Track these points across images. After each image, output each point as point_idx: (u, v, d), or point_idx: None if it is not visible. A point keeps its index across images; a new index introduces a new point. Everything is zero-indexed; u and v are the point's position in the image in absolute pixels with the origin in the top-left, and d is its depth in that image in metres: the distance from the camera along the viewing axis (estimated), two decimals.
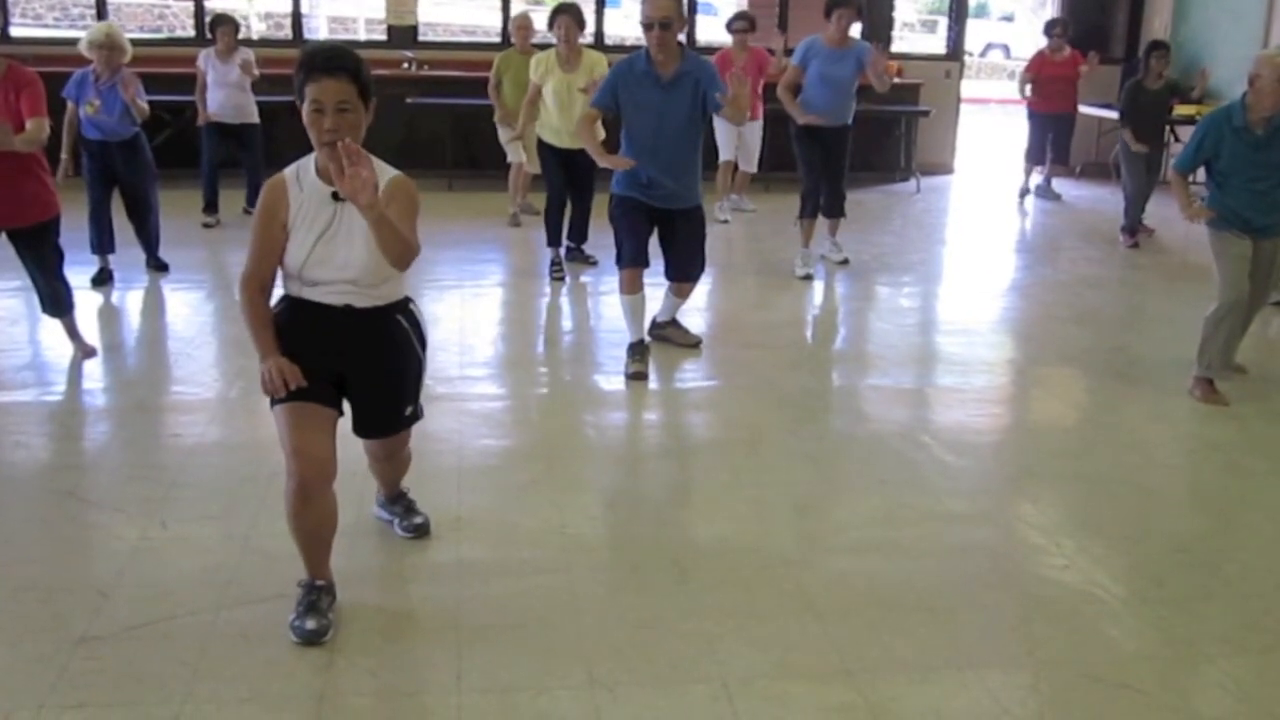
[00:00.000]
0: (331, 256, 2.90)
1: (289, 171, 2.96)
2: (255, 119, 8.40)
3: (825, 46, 6.95)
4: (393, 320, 3.06)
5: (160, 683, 2.77)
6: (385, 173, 2.90)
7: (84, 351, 5.24)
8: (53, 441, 4.43)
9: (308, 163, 2.95)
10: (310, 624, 2.96)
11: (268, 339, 2.93)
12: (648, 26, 4.97)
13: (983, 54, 24.10)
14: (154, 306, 6.53)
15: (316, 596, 3.02)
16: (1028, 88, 10.04)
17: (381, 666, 2.89)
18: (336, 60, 2.78)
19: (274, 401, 2.95)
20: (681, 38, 5.12)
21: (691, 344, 5.63)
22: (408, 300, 3.14)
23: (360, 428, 3.20)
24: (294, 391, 2.89)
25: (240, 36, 8.48)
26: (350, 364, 3.03)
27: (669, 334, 5.65)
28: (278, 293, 3.07)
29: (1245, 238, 4.96)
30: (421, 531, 3.55)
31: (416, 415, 3.26)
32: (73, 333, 5.28)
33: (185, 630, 3.00)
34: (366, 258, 2.89)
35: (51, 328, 5.39)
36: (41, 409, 4.76)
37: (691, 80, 4.99)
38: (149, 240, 6.86)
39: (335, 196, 2.87)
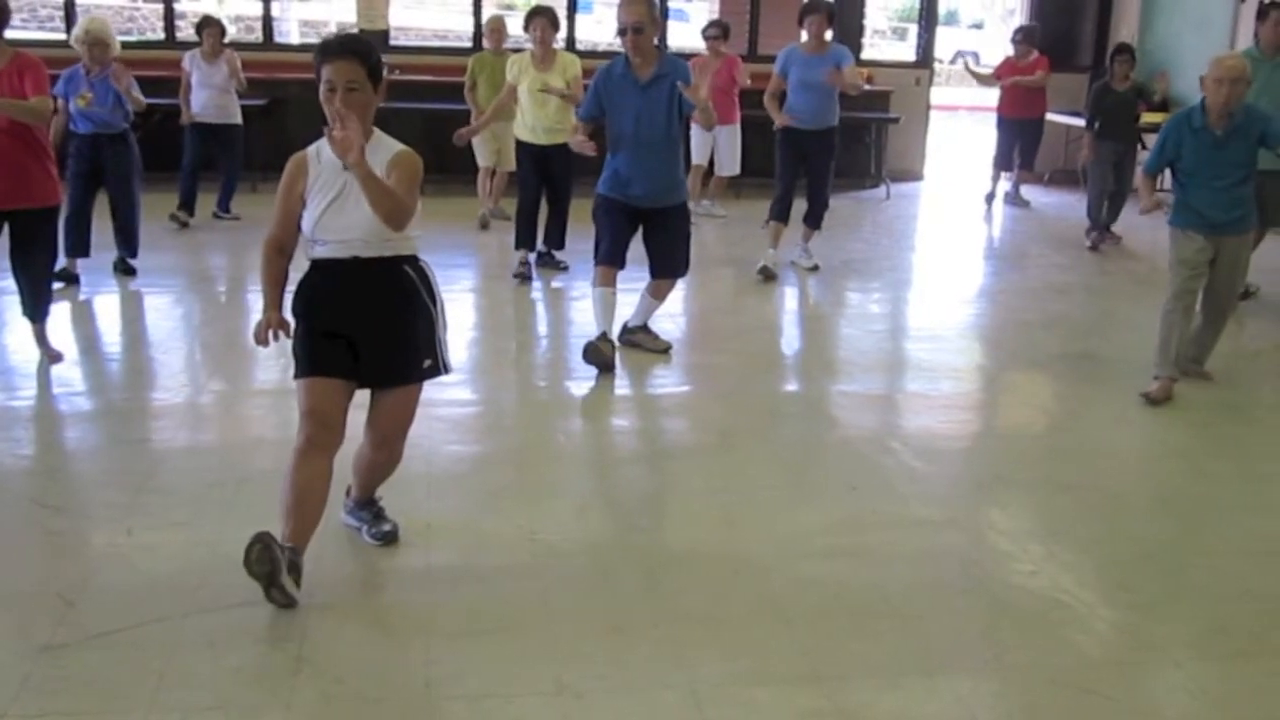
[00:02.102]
0: (339, 219, 3.14)
1: (311, 148, 3.23)
2: (238, 119, 8.39)
3: (803, 53, 7.06)
4: (399, 269, 3.25)
5: (126, 691, 2.75)
6: (393, 147, 3.21)
7: (51, 356, 5.18)
8: (18, 447, 4.37)
9: (327, 139, 3.18)
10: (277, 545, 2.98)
11: (273, 295, 3.27)
12: (621, 32, 5.14)
13: (952, 61, 24.26)
14: (122, 310, 6.47)
15: (282, 551, 2.99)
16: (991, 80, 10.12)
17: (350, 674, 2.87)
18: (347, 45, 3.14)
19: (296, 375, 3.24)
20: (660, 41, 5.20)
21: (661, 350, 5.64)
22: (416, 257, 3.31)
23: (370, 376, 3.26)
24: (313, 366, 3.19)
25: (178, 40, 8.49)
26: (359, 313, 3.20)
27: (639, 340, 5.66)
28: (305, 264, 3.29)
29: (1201, 237, 5.04)
30: (390, 539, 3.53)
31: (437, 370, 3.35)
32: (41, 337, 5.22)
33: (151, 638, 2.97)
34: (371, 218, 3.11)
35: (17, 331, 5.33)
36: (6, 414, 4.69)
37: (669, 82, 5.10)
38: (129, 239, 6.78)
39: (346, 167, 3.09)
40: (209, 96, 8.23)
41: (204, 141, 8.31)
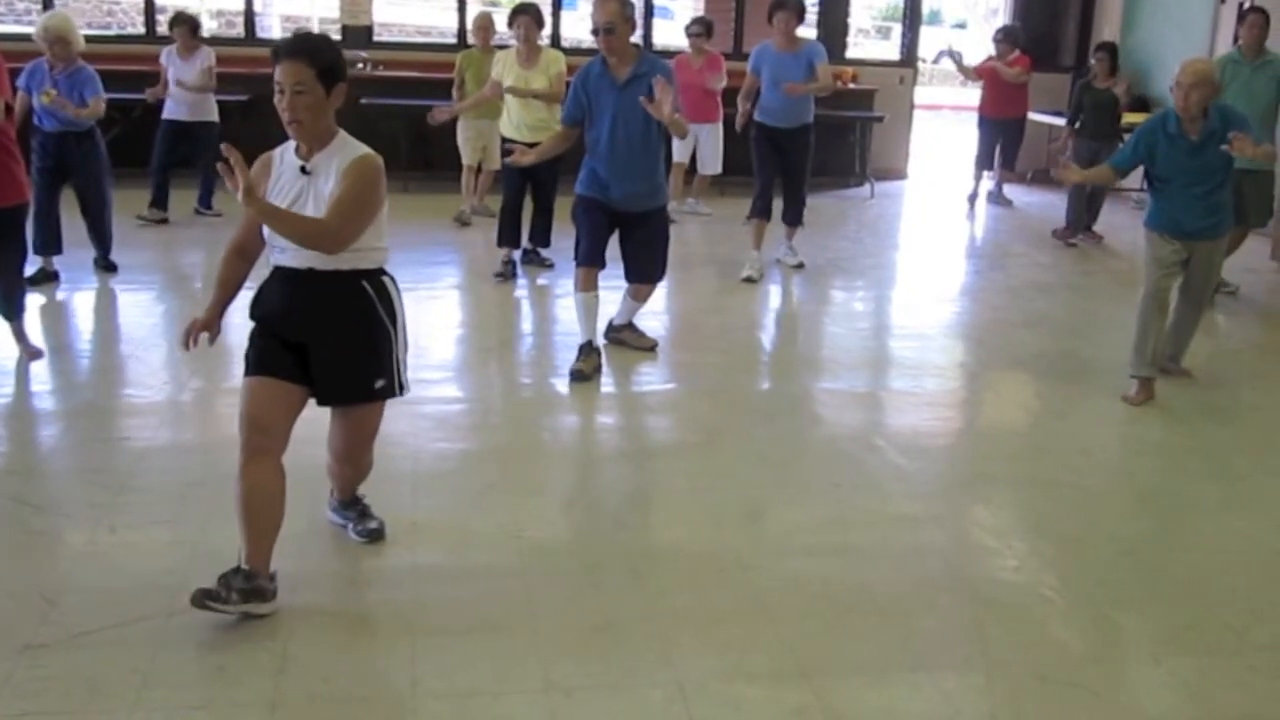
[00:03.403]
0: None
1: (277, 149, 3.15)
2: (212, 117, 8.26)
3: (775, 51, 7.01)
4: (356, 285, 3.12)
5: (109, 691, 2.73)
6: (353, 152, 3.07)
7: (30, 354, 5.14)
8: None
9: (291, 141, 3.13)
10: (206, 586, 2.94)
11: (217, 295, 3.23)
12: (594, 32, 5.07)
13: (935, 60, 24.33)
14: (102, 307, 6.42)
15: (232, 572, 2.98)
16: (973, 75, 10.13)
17: (336, 672, 2.86)
18: (296, 45, 3.01)
19: (245, 375, 3.13)
20: (642, 40, 5.17)
21: (647, 348, 5.64)
22: (380, 271, 3.18)
23: (322, 393, 3.17)
24: (257, 366, 3.09)
25: (157, 34, 8.37)
26: (311, 326, 3.10)
27: (625, 337, 5.66)
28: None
29: (1177, 241, 5.04)
30: (376, 536, 3.52)
31: (391, 391, 3.24)
32: (19, 335, 5.18)
33: (134, 637, 2.95)
34: None
35: None
36: None
37: (646, 82, 5.01)
38: (102, 237, 6.72)
39: (304, 170, 3.05)
40: (182, 94, 8.08)
41: (175, 140, 8.16)
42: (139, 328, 6.06)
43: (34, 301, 6.13)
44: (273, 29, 16.91)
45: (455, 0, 10.59)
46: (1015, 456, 4.57)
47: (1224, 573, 3.60)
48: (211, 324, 3.22)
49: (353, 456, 3.38)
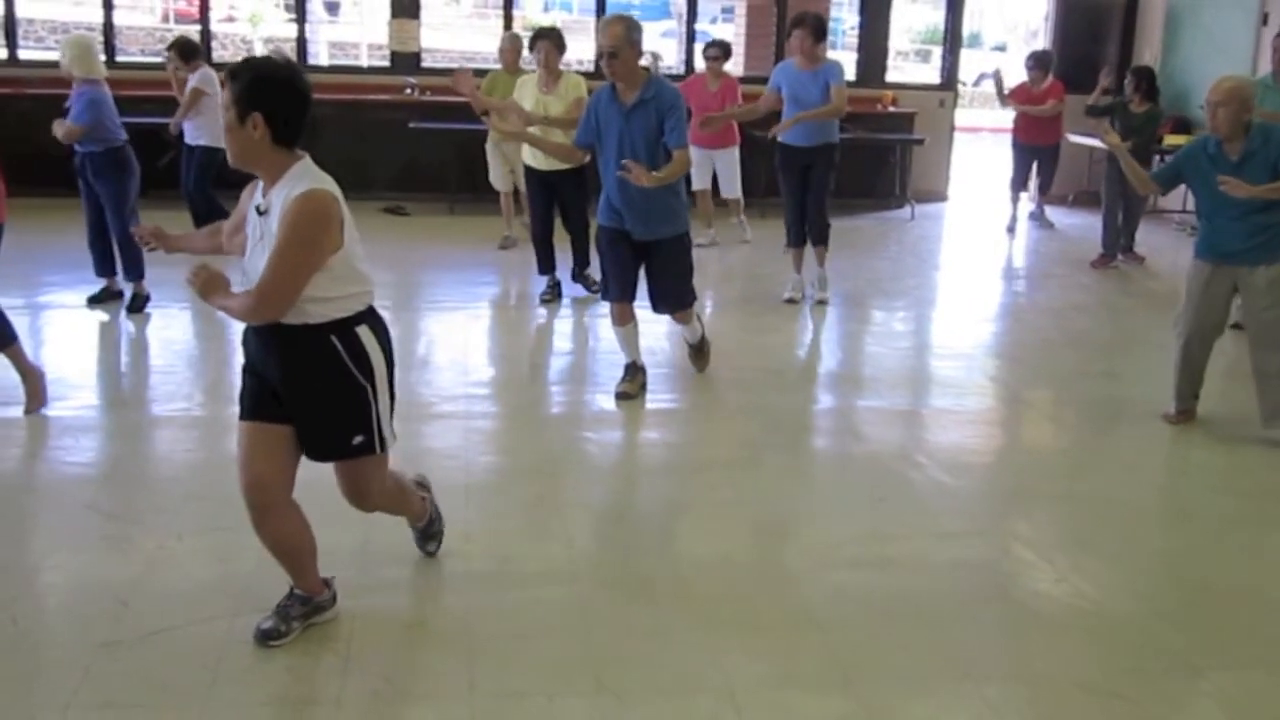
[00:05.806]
0: (251, 268, 2.89)
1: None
2: (202, 141, 7.96)
3: (794, 69, 6.93)
4: (323, 340, 2.89)
5: (182, 686, 2.86)
6: (298, 186, 2.81)
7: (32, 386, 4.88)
8: (72, 454, 4.50)
9: None
10: (265, 623, 3.05)
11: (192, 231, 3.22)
12: (598, 56, 5.04)
13: (975, 83, 24.30)
14: (165, 325, 6.55)
15: (287, 601, 3.11)
16: (1009, 102, 10.13)
17: (397, 673, 2.97)
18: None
19: (239, 417, 3.06)
20: (666, 65, 5.15)
21: (698, 369, 5.67)
22: (351, 322, 2.92)
23: (304, 448, 3.02)
24: (247, 410, 3.01)
25: (214, 60, 8.35)
26: (281, 379, 2.94)
27: (689, 350, 5.66)
28: None
29: (1210, 267, 4.92)
30: (430, 555, 3.59)
31: (371, 448, 3.01)
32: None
33: (204, 636, 3.08)
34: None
35: (63, 345, 5.44)
36: (55, 424, 4.81)
37: (652, 108, 4.96)
38: (123, 257, 6.53)
39: (258, 210, 2.89)
40: (185, 118, 7.98)
41: (187, 162, 8.10)
42: (201, 342, 6.22)
43: (96, 319, 6.35)
44: (320, 55, 17.24)
45: (500, 26, 10.79)
46: (1057, 473, 4.62)
47: (1265, 588, 3.64)
48: (162, 235, 3.26)
49: (356, 501, 3.21)
